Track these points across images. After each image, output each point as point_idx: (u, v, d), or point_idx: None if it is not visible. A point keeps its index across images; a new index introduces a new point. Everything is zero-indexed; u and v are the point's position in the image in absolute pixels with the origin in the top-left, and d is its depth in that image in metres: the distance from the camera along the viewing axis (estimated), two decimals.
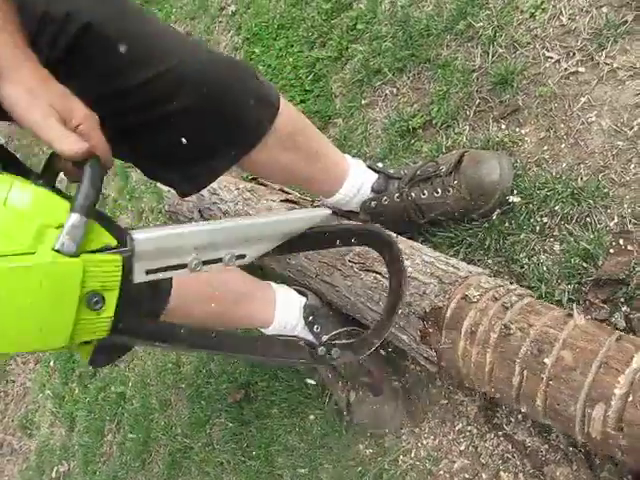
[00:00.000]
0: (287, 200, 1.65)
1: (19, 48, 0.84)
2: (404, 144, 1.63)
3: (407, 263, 1.26)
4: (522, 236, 1.32)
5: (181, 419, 2.03)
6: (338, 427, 1.53)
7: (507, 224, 1.35)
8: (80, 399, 2.61)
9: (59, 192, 0.76)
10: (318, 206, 1.58)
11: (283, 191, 1.73)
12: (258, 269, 1.80)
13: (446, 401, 1.36)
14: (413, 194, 1.41)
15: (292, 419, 1.66)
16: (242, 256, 0.91)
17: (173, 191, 2.04)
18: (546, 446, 1.17)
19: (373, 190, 1.45)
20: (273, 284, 1.51)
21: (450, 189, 1.37)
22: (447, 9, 1.68)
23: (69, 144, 0.77)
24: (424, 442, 1.36)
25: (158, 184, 2.32)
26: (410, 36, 1.72)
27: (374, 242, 1.07)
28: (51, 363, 3.00)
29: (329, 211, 0.98)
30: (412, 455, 1.38)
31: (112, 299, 0.77)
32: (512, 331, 1.07)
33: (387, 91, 1.76)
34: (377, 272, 1.31)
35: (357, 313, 1.39)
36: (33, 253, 0.70)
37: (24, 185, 0.74)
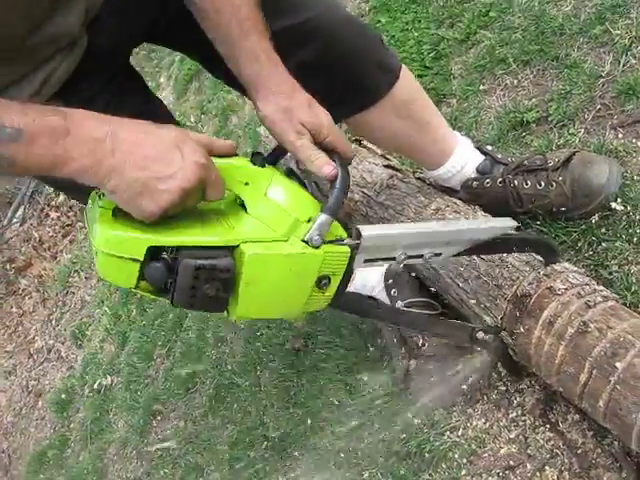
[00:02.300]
0: (389, 166, 1.67)
1: (271, 61, 0.95)
2: (514, 135, 1.64)
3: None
4: (617, 244, 1.32)
5: (234, 357, 2.08)
6: (390, 392, 1.56)
7: (604, 230, 1.35)
8: (136, 321, 2.69)
9: (301, 182, 0.95)
10: (428, 181, 1.61)
11: (384, 157, 1.76)
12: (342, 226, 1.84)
13: (504, 388, 1.36)
14: (516, 182, 1.42)
15: (345, 376, 1.68)
16: (439, 254, 1.06)
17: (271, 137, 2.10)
18: (598, 450, 1.18)
19: (478, 171, 1.47)
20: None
21: (554, 184, 1.37)
22: (585, 12, 1.67)
23: (320, 167, 0.92)
24: (474, 423, 1.38)
25: (257, 129, 2.39)
26: (542, 32, 1.72)
27: (546, 253, 1.21)
28: None
29: (515, 223, 1.12)
30: (459, 433, 1.39)
31: (336, 281, 0.93)
32: (590, 329, 1.08)
33: (507, 81, 1.76)
34: None
35: (441, 287, 1.41)
36: (286, 241, 0.86)
37: (281, 180, 0.90)
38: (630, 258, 1.30)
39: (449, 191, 1.54)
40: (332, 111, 1.28)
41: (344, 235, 0.93)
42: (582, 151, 1.41)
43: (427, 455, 1.41)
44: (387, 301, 1.51)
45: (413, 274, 1.50)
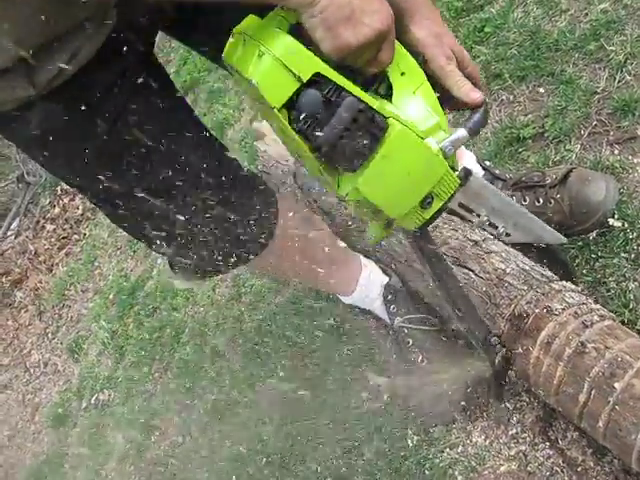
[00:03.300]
0: None
1: None
2: (511, 151, 1.64)
3: (502, 266, 1.29)
4: (615, 260, 1.33)
5: (231, 372, 2.08)
6: (389, 409, 1.56)
7: (602, 246, 1.36)
8: (133, 335, 2.68)
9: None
10: None
11: None
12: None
13: (504, 405, 1.37)
14: (514, 198, 1.43)
15: (344, 393, 1.68)
16: (508, 234, 1.11)
17: (269, 151, 2.10)
18: (598, 468, 1.18)
19: None
20: (362, 258, 1.55)
21: (552, 201, 1.38)
22: (580, 28, 1.68)
23: (467, 92, 0.94)
24: (474, 440, 1.38)
25: (255, 143, 2.38)
26: (537, 47, 1.73)
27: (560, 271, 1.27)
28: (110, 296, 3.08)
29: (565, 240, 1.18)
30: (459, 450, 1.40)
31: (436, 206, 0.95)
32: (588, 350, 1.08)
33: (503, 97, 1.77)
34: (470, 269, 1.33)
35: (439, 304, 1.42)
36: (424, 138, 0.88)
37: (429, 89, 0.90)
38: (628, 275, 1.30)
39: None
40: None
41: (459, 167, 0.95)
42: (579, 168, 1.42)
43: (427, 472, 1.41)
44: (385, 316, 1.51)
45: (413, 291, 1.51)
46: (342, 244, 1.51)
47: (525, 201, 1.41)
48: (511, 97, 1.75)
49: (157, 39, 1.19)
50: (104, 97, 1.01)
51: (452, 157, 0.93)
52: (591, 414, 1.06)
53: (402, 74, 0.90)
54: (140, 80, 1.05)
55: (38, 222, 4.20)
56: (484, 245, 1.37)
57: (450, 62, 0.95)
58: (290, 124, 0.84)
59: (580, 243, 1.39)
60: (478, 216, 1.06)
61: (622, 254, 1.33)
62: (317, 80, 0.81)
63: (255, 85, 0.81)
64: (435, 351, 1.48)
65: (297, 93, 0.81)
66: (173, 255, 1.16)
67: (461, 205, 1.03)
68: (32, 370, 3.33)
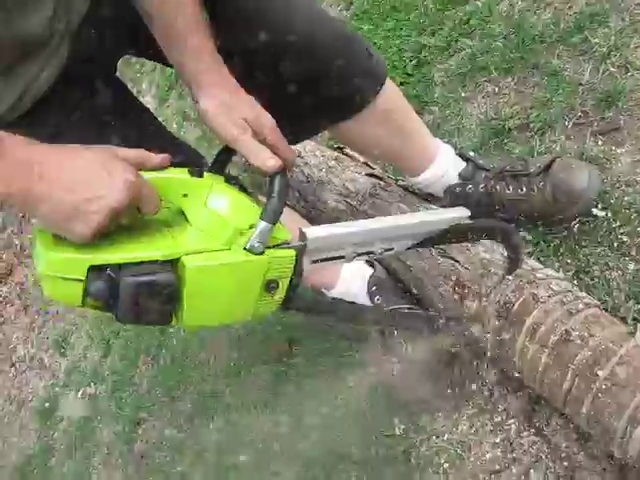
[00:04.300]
0: (372, 175, 1.68)
1: (216, 61, 0.96)
2: (496, 142, 1.65)
3: (487, 256, 1.30)
4: (598, 250, 1.34)
5: (219, 363, 2.08)
6: (375, 397, 1.57)
7: (586, 236, 1.37)
8: (120, 328, 2.65)
9: (242, 188, 0.93)
10: (410, 188, 1.62)
11: (367, 165, 1.77)
12: None
13: (489, 393, 1.38)
14: (498, 187, 1.44)
15: (330, 381, 1.69)
16: (390, 249, 1.07)
17: None
18: (582, 453, 1.19)
19: (460, 177, 1.49)
20: None
21: (535, 189, 1.39)
22: (565, 20, 1.69)
23: (264, 160, 0.91)
24: (459, 428, 1.39)
25: None
26: (522, 40, 1.74)
27: (505, 240, 1.19)
28: None
29: (468, 212, 1.10)
30: (445, 438, 1.41)
31: (285, 284, 0.93)
32: (572, 337, 1.09)
33: (489, 88, 1.78)
34: (455, 259, 1.34)
35: (424, 295, 1.42)
36: (229, 249, 0.87)
37: (221, 188, 0.90)
38: (611, 264, 1.32)
39: (432, 198, 1.56)
40: (315, 119, 1.31)
41: (289, 237, 0.93)
42: (563, 157, 1.43)
43: (413, 461, 1.42)
44: None
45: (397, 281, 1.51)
46: None
47: (509, 190, 1.42)
48: (496, 89, 1.76)
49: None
50: (66, 120, 1.05)
51: (279, 232, 0.91)
52: (575, 401, 1.08)
53: (184, 195, 0.89)
54: (102, 101, 1.07)
55: (24, 216, 4.17)
56: None
57: (243, 131, 0.93)
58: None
59: (565, 233, 1.40)
60: (342, 257, 1.03)
61: (605, 243, 1.34)
62: (99, 266, 0.80)
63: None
64: (420, 340, 1.48)
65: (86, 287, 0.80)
66: None
67: (320, 260, 1.01)
68: (18, 365, 3.31)
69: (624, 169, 1.40)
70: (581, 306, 1.15)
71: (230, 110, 0.93)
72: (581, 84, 1.57)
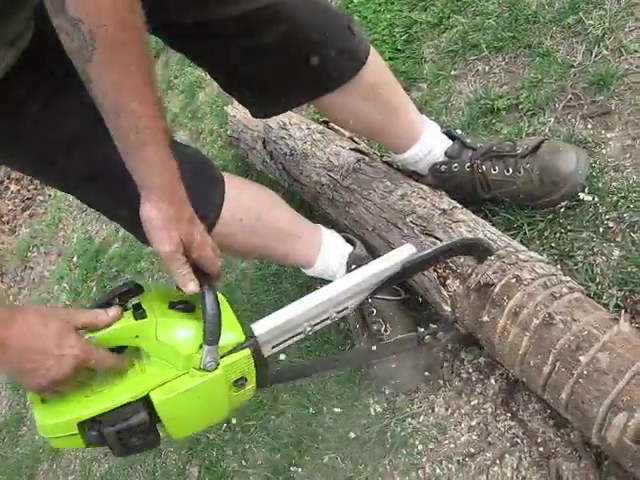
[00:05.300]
0: (356, 149, 1.65)
1: (167, 171, 0.95)
2: (485, 122, 1.63)
3: (470, 236, 1.29)
4: (583, 234, 1.32)
5: None
6: (353, 377, 1.55)
7: (571, 220, 1.35)
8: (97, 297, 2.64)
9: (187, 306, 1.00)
10: (395, 165, 1.60)
11: (352, 140, 1.74)
12: (308, 209, 1.82)
13: (467, 375, 1.37)
14: (484, 167, 1.42)
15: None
16: (345, 308, 1.13)
17: (239, 117, 2.07)
18: (558, 439, 1.18)
19: (446, 155, 1.46)
20: (323, 228, 1.52)
21: (521, 170, 1.37)
22: (560, 1, 1.67)
23: (184, 284, 0.96)
24: (436, 410, 1.38)
25: (225, 108, 2.35)
26: (516, 19, 1.72)
27: (473, 252, 1.22)
28: (74, 259, 3.04)
29: (413, 249, 1.15)
30: (420, 420, 1.39)
31: (252, 376, 1.02)
32: (555, 321, 1.07)
33: (479, 67, 1.76)
34: (437, 238, 1.32)
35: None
36: (187, 373, 0.95)
37: (165, 322, 0.96)
38: (596, 249, 1.30)
39: (416, 176, 1.53)
40: (292, 94, 1.33)
41: (241, 339, 0.99)
42: (551, 139, 1.41)
43: (389, 440, 1.41)
44: None
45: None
46: (299, 216, 1.47)
47: (495, 170, 1.40)
48: (487, 68, 1.74)
49: None
50: (29, 96, 1.05)
51: (231, 335, 0.98)
52: (555, 386, 1.06)
53: (136, 337, 0.96)
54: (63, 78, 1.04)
55: (2, 182, 4.11)
56: (452, 213, 1.36)
57: (176, 249, 0.95)
58: None
59: (550, 216, 1.38)
60: (300, 333, 1.08)
61: (591, 228, 1.32)
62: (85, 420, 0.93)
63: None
64: (399, 321, 1.46)
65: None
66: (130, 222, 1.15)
67: (280, 343, 1.07)
68: None
69: (613, 153, 1.39)
70: (565, 290, 1.13)
71: (170, 225, 0.95)
72: (573, 66, 1.54)
